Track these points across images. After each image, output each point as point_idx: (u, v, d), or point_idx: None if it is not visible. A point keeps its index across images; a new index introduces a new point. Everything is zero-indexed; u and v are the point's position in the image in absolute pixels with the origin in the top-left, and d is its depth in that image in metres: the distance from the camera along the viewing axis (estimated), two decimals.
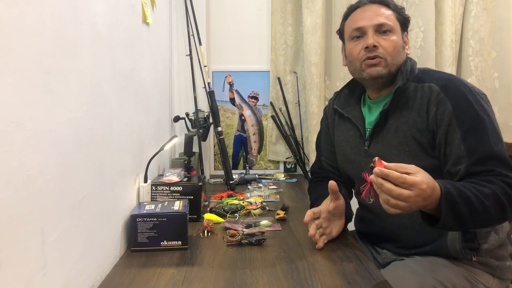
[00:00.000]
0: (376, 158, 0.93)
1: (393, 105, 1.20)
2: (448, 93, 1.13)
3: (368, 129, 1.28)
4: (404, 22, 1.26)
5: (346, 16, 1.31)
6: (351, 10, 1.30)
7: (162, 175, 1.50)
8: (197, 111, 1.98)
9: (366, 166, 1.25)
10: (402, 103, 1.20)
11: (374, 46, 1.19)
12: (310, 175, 1.59)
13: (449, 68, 2.09)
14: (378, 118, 1.22)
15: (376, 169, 0.90)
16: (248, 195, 1.76)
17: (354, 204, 1.39)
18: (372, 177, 0.91)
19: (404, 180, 0.88)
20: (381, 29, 1.21)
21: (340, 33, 1.35)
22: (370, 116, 1.30)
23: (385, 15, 1.22)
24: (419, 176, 0.90)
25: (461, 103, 1.11)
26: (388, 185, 0.89)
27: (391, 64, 1.20)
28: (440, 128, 1.12)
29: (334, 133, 1.41)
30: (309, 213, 1.19)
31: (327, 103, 2.21)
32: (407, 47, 1.27)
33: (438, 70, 2.04)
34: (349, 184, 1.42)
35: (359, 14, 1.26)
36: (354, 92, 1.36)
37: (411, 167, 0.91)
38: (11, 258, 0.64)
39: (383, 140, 1.23)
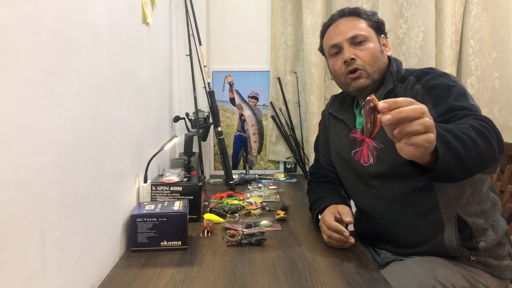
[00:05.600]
0: (372, 96, 0.77)
1: None
2: (420, 80, 1.17)
3: (359, 130, 1.30)
4: (378, 26, 1.29)
5: (322, 34, 1.36)
6: (325, 28, 1.34)
7: (162, 175, 1.50)
8: (197, 111, 1.98)
9: (358, 165, 1.26)
10: None
11: (352, 59, 1.23)
12: (309, 175, 1.61)
13: (449, 68, 2.08)
14: None
15: (382, 103, 0.73)
16: (248, 195, 1.76)
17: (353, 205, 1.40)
18: (386, 117, 0.73)
19: (412, 101, 0.75)
20: (356, 41, 1.25)
21: (321, 50, 1.40)
22: (360, 117, 1.33)
23: (357, 27, 1.26)
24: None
25: (429, 81, 1.15)
26: (407, 109, 0.74)
27: (372, 72, 1.24)
28: None
29: (330, 135, 1.45)
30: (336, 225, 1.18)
31: (327, 103, 2.23)
32: (387, 49, 1.31)
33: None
34: None
35: (333, 30, 1.30)
36: (347, 97, 1.40)
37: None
38: (11, 258, 0.64)
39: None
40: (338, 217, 1.21)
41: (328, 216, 1.21)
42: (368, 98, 0.77)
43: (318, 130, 1.56)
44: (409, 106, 0.75)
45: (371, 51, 1.24)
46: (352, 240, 1.17)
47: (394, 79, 1.24)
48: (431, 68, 1.24)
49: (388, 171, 1.21)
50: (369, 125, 0.77)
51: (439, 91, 1.11)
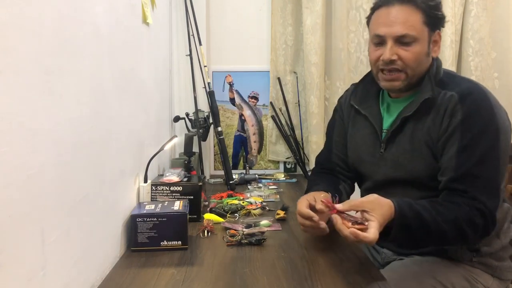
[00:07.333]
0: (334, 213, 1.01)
1: (414, 111, 1.15)
2: (463, 104, 1.09)
3: (385, 131, 1.23)
4: (434, 22, 1.15)
5: (374, 9, 1.20)
6: (378, 5, 1.18)
7: (162, 175, 1.50)
8: (197, 111, 1.98)
9: (380, 168, 1.23)
10: (422, 110, 1.15)
11: (392, 60, 1.13)
12: (315, 164, 1.48)
13: (449, 68, 2.08)
14: (398, 124, 1.18)
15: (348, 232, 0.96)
16: (248, 195, 1.76)
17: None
18: (349, 231, 0.96)
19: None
20: (403, 40, 1.12)
21: (368, 21, 1.23)
22: (388, 117, 1.24)
23: (409, 23, 1.11)
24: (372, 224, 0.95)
25: (471, 117, 1.07)
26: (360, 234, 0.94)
27: (411, 76, 1.15)
28: (443, 136, 1.11)
29: (349, 129, 1.35)
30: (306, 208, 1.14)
31: (327, 103, 2.22)
32: (435, 48, 1.18)
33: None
34: (357, 180, 1.38)
35: (384, 16, 1.15)
36: (372, 87, 1.28)
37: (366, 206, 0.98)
38: (11, 258, 0.64)
39: (398, 144, 1.19)
40: (313, 204, 1.12)
41: (301, 203, 1.15)
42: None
43: (332, 119, 1.43)
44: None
45: (416, 54, 1.12)
46: (323, 225, 1.10)
47: (433, 85, 1.13)
48: (473, 86, 1.14)
49: (405, 176, 1.18)
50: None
51: (471, 136, 1.07)
